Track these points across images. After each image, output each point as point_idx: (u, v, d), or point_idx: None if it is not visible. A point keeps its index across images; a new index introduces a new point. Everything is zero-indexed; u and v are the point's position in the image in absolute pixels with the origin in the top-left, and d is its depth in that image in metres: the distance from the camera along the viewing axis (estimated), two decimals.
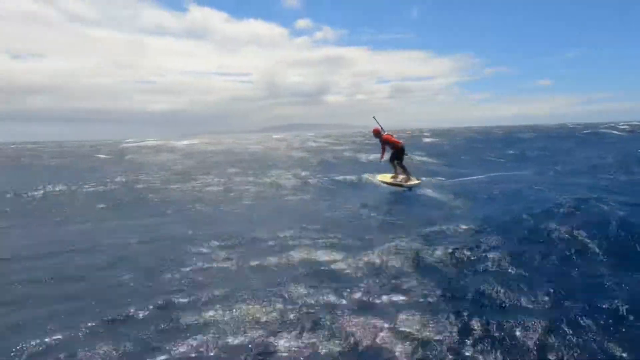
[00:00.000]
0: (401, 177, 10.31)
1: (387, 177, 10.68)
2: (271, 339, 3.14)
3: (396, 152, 10.36)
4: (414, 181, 10.28)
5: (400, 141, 10.50)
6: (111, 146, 40.17)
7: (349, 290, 3.98)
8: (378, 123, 10.52)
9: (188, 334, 3.25)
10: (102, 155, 27.06)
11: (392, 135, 10.49)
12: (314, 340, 3.12)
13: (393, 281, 4.18)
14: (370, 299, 3.79)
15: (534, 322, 3.20)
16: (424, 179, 10.97)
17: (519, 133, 42.58)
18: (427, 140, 36.34)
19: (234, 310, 3.61)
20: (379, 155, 11.14)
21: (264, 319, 3.45)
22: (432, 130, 73.23)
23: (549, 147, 24.35)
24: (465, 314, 3.39)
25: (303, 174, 13.97)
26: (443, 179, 12.09)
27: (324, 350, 3.01)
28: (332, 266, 4.65)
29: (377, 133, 10.52)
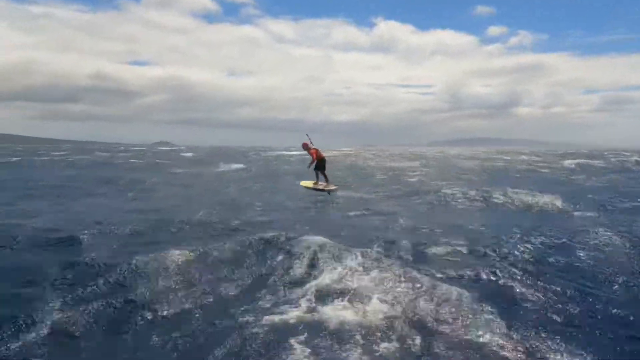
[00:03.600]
0: (321, 184, 12.30)
1: (309, 183, 12.52)
2: None
3: (319, 162, 12.19)
4: (331, 187, 12.20)
5: (323, 154, 12.31)
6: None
7: None
8: (309, 139, 12.01)
9: None
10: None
11: (317, 150, 12.10)
12: None
13: None
14: None
15: None
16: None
17: None
18: None
19: None
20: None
21: None
22: None
23: None
24: None
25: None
26: None
27: None
28: None
29: (305, 147, 12.02)
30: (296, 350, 4.69)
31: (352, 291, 6.26)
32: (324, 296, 6.13)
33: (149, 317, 5.55)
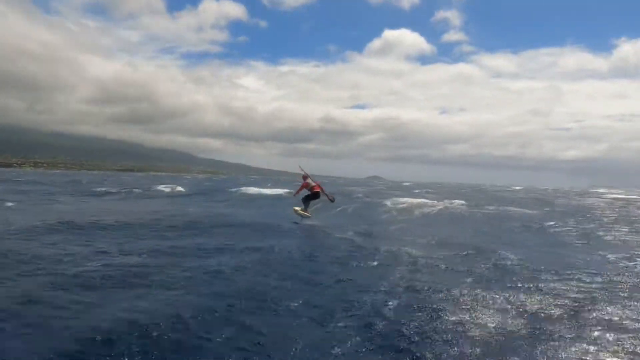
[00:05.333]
0: (305, 211, 13.97)
1: (299, 209, 14.05)
2: None
3: (312, 194, 13.66)
4: (307, 214, 13.88)
5: (317, 189, 13.68)
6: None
7: None
8: (303, 170, 13.80)
9: None
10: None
11: (317, 184, 13.67)
12: None
13: None
14: None
15: None
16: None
17: None
18: None
19: None
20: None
21: None
22: None
23: None
24: None
25: None
26: None
27: None
28: None
29: (304, 178, 13.67)
30: None
31: None
32: None
33: None
